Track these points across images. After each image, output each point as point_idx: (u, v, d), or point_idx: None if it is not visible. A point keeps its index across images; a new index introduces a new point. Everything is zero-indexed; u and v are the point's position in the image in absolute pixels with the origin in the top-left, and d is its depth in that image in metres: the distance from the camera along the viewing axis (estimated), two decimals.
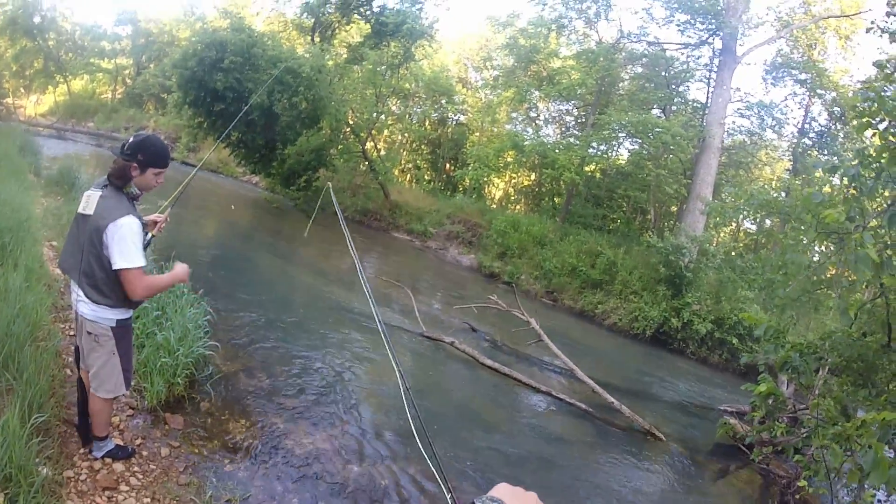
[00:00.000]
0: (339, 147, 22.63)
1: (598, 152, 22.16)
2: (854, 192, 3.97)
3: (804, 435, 4.42)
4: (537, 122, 27.16)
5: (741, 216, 19.07)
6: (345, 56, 24.46)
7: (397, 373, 2.54)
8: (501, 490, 1.02)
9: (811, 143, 23.01)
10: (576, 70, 22.77)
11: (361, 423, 5.73)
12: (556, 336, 10.29)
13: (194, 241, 11.86)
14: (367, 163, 23.55)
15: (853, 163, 3.81)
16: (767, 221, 21.10)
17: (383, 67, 22.47)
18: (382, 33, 23.68)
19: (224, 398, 5.31)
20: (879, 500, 5.19)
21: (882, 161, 3.80)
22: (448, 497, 1.55)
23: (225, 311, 7.45)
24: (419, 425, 2.21)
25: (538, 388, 8.59)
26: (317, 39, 25.39)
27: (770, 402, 5.49)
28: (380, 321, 3.03)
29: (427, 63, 27.71)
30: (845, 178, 3.96)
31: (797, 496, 7.12)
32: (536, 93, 25.18)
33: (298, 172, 20.82)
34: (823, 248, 6.51)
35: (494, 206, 27.34)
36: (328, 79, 20.72)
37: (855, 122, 3.96)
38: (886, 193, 4.00)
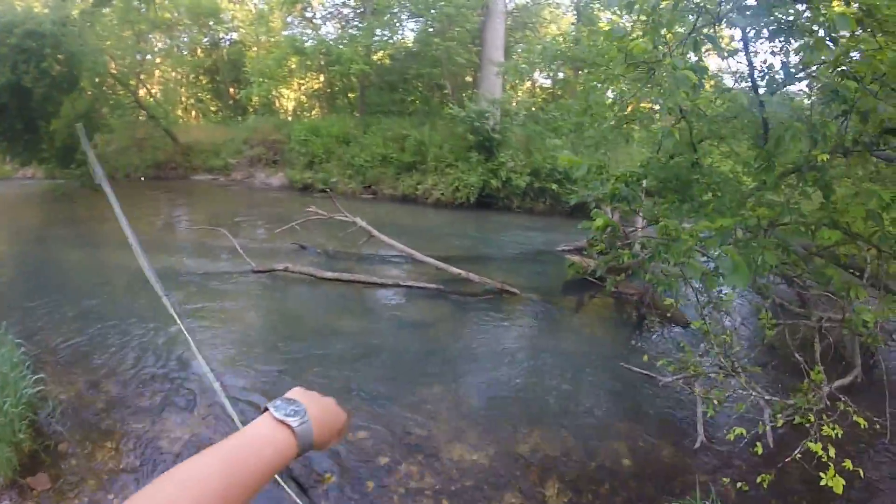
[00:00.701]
0: (110, 103, 20.07)
1: (383, 38, 21.65)
2: (650, 25, 4.24)
3: (648, 255, 4.88)
4: (315, 21, 25.83)
5: (536, 71, 19.81)
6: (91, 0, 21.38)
7: (172, 312, 2.41)
8: (295, 392, 0.96)
9: None
10: None
11: (221, 385, 5.21)
12: (386, 226, 10.31)
13: None
14: (144, 112, 21.32)
15: None
16: (560, 73, 22.23)
17: (136, 2, 20.01)
18: None
19: (78, 428, 4.62)
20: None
21: None
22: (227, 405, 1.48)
23: (41, 330, 6.45)
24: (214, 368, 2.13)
25: (384, 283, 8.65)
26: None
27: (608, 233, 5.99)
28: (147, 269, 2.82)
29: None
30: (642, 15, 4.21)
31: (647, 305, 8.14)
32: None
33: (73, 146, 18.04)
34: (623, 86, 6.95)
35: (289, 117, 26.24)
36: (77, 31, 17.89)
37: None
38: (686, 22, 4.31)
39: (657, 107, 6.28)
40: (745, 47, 4.75)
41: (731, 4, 3.58)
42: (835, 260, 5.43)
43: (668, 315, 8.07)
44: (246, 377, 5.49)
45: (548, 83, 25.27)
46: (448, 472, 4.12)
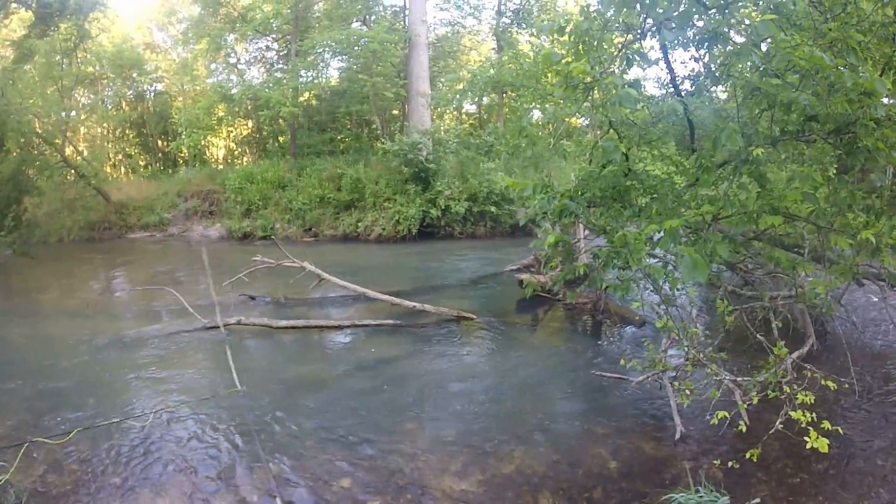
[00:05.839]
0: (37, 164, 19.01)
1: (309, 79, 21.74)
2: (582, 47, 4.42)
3: (602, 263, 4.99)
4: (239, 66, 25.69)
5: (468, 98, 20.14)
6: (11, 57, 20.46)
7: None
8: None
9: (509, 21, 24.83)
10: (267, 2, 21.87)
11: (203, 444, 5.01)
12: (332, 267, 10.08)
13: None
14: (72, 172, 20.36)
15: (580, 20, 4.22)
16: (485, 99, 22.78)
17: (58, 56, 19.34)
18: (48, 17, 19.41)
19: None
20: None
21: (608, 13, 4.24)
22: None
23: None
24: None
25: (341, 325, 8.49)
26: None
27: (561, 248, 6.09)
28: None
29: (106, 37, 24.27)
30: (573, 35, 4.38)
31: (602, 311, 8.35)
32: (231, 37, 23.79)
33: (2, 211, 17.29)
34: (551, 105, 7.13)
35: (221, 166, 25.81)
36: None
37: None
38: (616, 40, 4.50)
39: (586, 121, 6.51)
40: (665, 56, 5.00)
41: (652, 20, 3.77)
42: (775, 242, 5.75)
43: (623, 317, 8.32)
44: (215, 442, 5.06)
45: (472, 109, 25.85)
46: None
